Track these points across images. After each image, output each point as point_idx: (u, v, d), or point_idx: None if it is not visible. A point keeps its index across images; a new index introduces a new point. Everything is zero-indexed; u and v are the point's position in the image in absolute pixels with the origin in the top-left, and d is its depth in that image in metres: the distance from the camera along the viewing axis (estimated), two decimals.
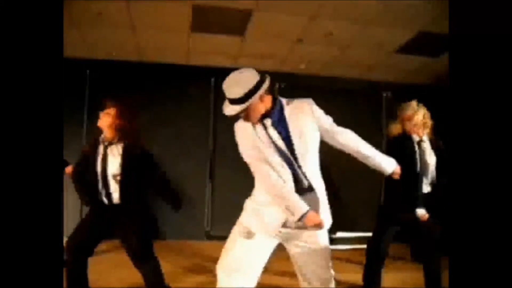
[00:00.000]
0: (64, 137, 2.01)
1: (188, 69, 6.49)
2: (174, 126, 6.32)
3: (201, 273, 4.34)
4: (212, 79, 6.57)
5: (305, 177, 2.27)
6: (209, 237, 6.43)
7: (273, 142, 2.26)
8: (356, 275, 3.50)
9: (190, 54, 6.10)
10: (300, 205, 2.19)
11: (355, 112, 6.55)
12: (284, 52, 5.86)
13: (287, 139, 2.27)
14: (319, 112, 2.39)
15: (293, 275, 2.49)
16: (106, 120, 3.00)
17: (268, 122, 2.29)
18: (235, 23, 4.99)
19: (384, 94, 7.08)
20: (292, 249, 2.39)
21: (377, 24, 4.84)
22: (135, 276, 3.01)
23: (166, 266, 3.16)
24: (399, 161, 3.10)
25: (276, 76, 6.81)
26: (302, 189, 2.27)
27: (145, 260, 2.97)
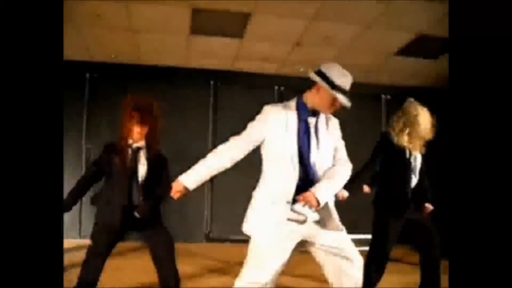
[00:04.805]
0: (63, 139, 2.01)
1: (187, 71, 6.50)
2: (173, 128, 6.32)
3: (201, 275, 4.33)
4: (211, 82, 6.57)
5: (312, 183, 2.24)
6: (209, 239, 6.43)
7: (308, 140, 2.27)
8: None
9: (190, 57, 6.10)
10: None
11: (355, 115, 6.53)
12: (283, 54, 5.87)
13: (315, 145, 2.29)
14: (340, 134, 2.43)
15: (306, 276, 2.45)
16: (144, 132, 2.97)
17: (312, 121, 2.31)
18: (234, 26, 5.00)
19: (384, 97, 7.09)
20: (316, 252, 2.33)
21: (377, 27, 4.85)
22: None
23: None
24: (389, 158, 3.11)
25: (275, 79, 6.88)
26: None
27: (169, 262, 2.98)
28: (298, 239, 2.28)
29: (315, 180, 2.24)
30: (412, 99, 3.37)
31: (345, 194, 3.23)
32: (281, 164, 2.25)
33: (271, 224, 2.24)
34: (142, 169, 2.98)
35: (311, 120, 2.32)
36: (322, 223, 2.28)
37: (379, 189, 3.42)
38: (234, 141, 2.33)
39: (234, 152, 2.32)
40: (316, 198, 2.15)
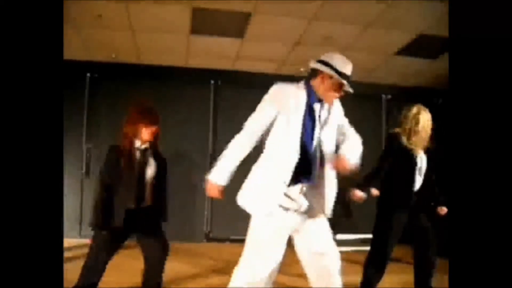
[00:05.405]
0: (64, 138, 2.01)
1: (187, 71, 6.50)
2: (173, 128, 6.32)
3: (201, 274, 4.34)
4: (212, 81, 6.57)
5: (310, 172, 2.32)
6: (209, 239, 6.43)
7: (312, 125, 2.32)
8: (357, 277, 3.47)
9: (190, 56, 6.10)
10: None
11: (355, 115, 6.51)
12: (283, 54, 5.87)
13: (318, 130, 2.35)
14: (342, 112, 2.50)
15: (304, 276, 2.48)
16: (154, 133, 2.97)
17: (317, 107, 2.35)
18: (234, 26, 5.00)
19: (384, 96, 7.08)
20: (301, 253, 2.41)
21: (377, 27, 4.85)
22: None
23: (166, 268, 3.15)
24: (397, 158, 3.16)
25: (275, 79, 6.80)
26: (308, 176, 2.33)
27: (158, 268, 2.99)
28: (292, 226, 2.35)
29: (314, 163, 2.33)
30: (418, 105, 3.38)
31: (363, 195, 3.25)
32: (284, 143, 2.28)
33: (267, 203, 2.28)
34: (150, 171, 2.98)
35: (317, 106, 2.35)
36: (311, 212, 2.37)
37: (384, 189, 3.40)
38: (250, 126, 2.34)
39: (253, 137, 2.33)
40: (348, 161, 2.31)
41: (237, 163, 2.33)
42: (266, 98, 2.35)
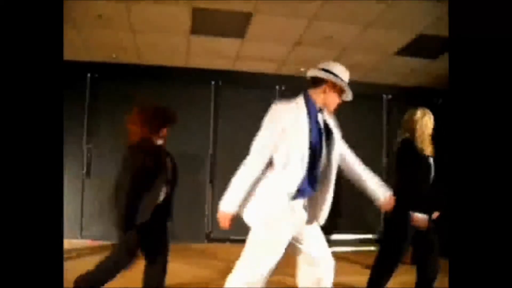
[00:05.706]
0: (64, 139, 2.01)
1: (188, 71, 6.50)
2: (173, 128, 6.30)
3: (202, 275, 4.34)
4: (212, 81, 6.57)
5: (315, 184, 2.36)
6: (210, 239, 6.43)
7: (319, 137, 2.33)
8: (357, 277, 3.48)
9: (190, 57, 6.10)
10: None
11: (356, 115, 6.55)
12: (283, 54, 5.87)
13: (324, 141, 2.37)
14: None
15: None
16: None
17: (320, 118, 2.38)
18: (235, 26, 5.00)
19: (385, 96, 7.08)
20: (300, 260, 2.47)
21: (377, 27, 4.85)
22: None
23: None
24: (415, 163, 3.16)
25: (275, 79, 6.88)
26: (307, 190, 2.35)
27: (163, 259, 3.02)
28: (292, 233, 2.36)
29: (318, 176, 2.36)
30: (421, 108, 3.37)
31: (426, 218, 3.18)
32: (292, 159, 2.27)
33: (272, 217, 2.30)
34: (169, 167, 3.02)
35: (319, 118, 2.37)
36: (309, 220, 2.43)
37: (402, 193, 3.31)
38: (256, 149, 2.32)
39: (262, 159, 2.31)
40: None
41: (248, 187, 2.34)
42: (268, 118, 2.33)
